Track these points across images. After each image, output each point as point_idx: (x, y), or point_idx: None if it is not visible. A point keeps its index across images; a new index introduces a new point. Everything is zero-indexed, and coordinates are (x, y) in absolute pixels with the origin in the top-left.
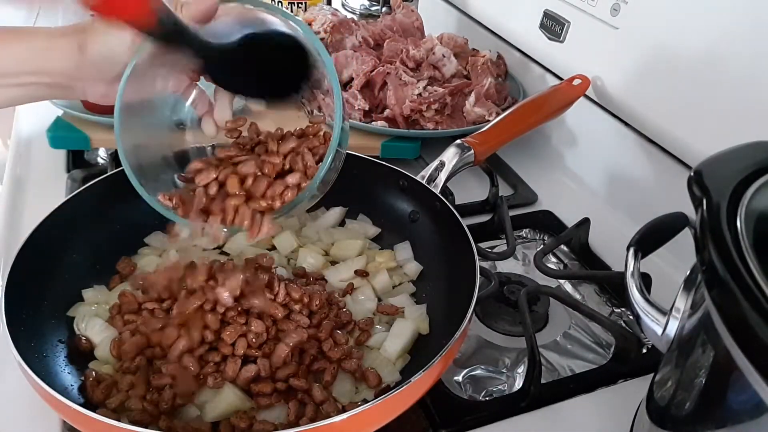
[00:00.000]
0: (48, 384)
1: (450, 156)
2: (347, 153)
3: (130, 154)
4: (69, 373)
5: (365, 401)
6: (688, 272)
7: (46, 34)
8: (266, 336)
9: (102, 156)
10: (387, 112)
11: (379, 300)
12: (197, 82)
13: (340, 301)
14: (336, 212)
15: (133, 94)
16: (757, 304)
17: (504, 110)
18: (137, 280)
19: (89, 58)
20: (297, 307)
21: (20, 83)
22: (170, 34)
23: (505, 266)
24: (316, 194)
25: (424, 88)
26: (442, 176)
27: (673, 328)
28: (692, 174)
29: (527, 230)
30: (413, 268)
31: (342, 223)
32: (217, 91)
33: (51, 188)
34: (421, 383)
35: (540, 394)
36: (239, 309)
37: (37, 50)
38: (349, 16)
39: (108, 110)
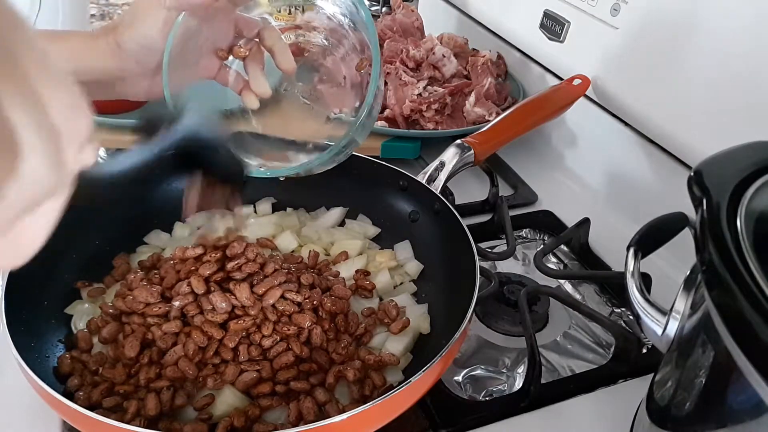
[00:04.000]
0: (48, 384)
1: (450, 156)
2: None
3: None
4: None
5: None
6: (688, 272)
7: (83, 35)
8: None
9: (102, 156)
10: (387, 112)
11: (381, 299)
12: (226, 62)
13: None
14: (336, 212)
15: (174, 81)
16: (757, 304)
17: (504, 110)
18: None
19: (128, 52)
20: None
21: None
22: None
23: (505, 266)
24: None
25: (424, 88)
26: (442, 176)
27: (673, 328)
28: (692, 174)
29: (527, 230)
30: (414, 267)
31: (342, 223)
32: (248, 65)
33: None
34: (421, 383)
35: (540, 394)
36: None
37: (76, 50)
38: None
39: (107, 110)
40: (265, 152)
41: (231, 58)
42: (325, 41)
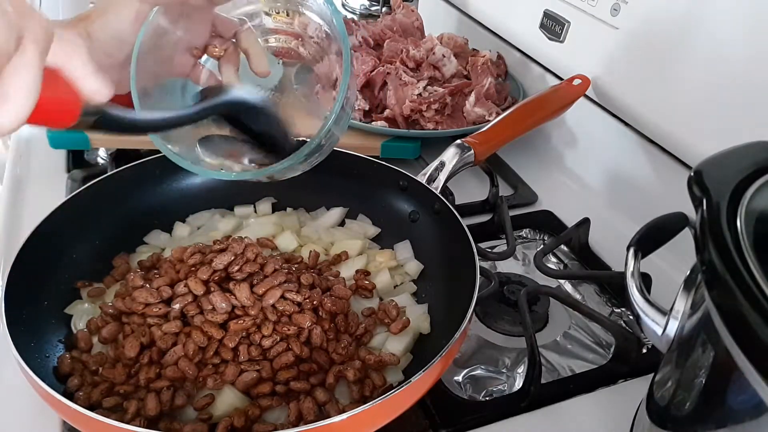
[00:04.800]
0: (48, 384)
1: (450, 156)
2: (347, 153)
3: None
4: None
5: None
6: (688, 272)
7: (53, 24)
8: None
9: (102, 156)
10: (387, 112)
11: (381, 299)
12: (200, 61)
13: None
14: (336, 212)
15: (145, 76)
16: (757, 304)
17: (504, 110)
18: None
19: (98, 43)
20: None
21: None
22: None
23: (505, 266)
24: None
25: (424, 88)
26: (442, 176)
27: (673, 328)
28: (692, 174)
29: (527, 230)
30: (414, 266)
31: (342, 223)
32: (222, 65)
33: (51, 188)
34: (421, 383)
35: (540, 394)
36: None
37: None
38: (349, 16)
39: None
40: (234, 154)
41: (205, 57)
42: (313, 46)
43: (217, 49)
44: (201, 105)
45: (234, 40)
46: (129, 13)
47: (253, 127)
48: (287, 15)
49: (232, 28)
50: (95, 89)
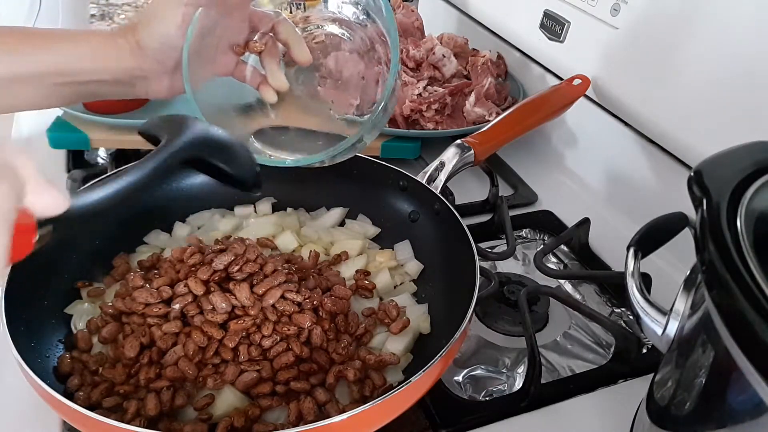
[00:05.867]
0: (48, 384)
1: (450, 156)
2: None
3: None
4: None
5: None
6: (688, 272)
7: (103, 35)
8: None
9: (102, 156)
10: None
11: (381, 299)
12: (242, 57)
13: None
14: (336, 212)
15: (193, 79)
16: (757, 304)
17: (504, 110)
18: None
19: (147, 50)
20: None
21: (82, 81)
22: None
23: (505, 266)
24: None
25: (424, 88)
26: (442, 176)
27: (673, 328)
28: (692, 174)
29: (527, 230)
30: (414, 266)
31: (342, 223)
32: (264, 59)
33: None
34: (421, 383)
35: (540, 394)
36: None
37: (97, 48)
38: None
39: (107, 110)
40: (285, 144)
41: (247, 53)
42: (342, 34)
43: (258, 44)
44: (159, 157)
45: (272, 34)
46: (175, 17)
47: (223, 166)
48: (290, 12)
49: (270, 21)
50: (50, 202)
